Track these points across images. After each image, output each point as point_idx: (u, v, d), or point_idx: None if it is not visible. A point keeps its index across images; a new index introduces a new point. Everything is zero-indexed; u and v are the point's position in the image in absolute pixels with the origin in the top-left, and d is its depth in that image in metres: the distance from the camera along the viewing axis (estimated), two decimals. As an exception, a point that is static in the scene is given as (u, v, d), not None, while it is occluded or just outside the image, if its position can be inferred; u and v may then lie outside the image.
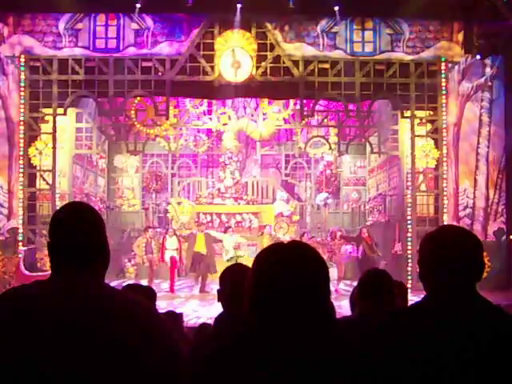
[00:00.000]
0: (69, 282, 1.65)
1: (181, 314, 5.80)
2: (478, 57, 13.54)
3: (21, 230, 13.19)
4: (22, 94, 13.32)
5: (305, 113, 14.21)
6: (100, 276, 1.71)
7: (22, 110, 13.33)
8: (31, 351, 1.57)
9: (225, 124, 18.19)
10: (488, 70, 13.82)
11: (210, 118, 18.27)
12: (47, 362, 1.56)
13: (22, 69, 13.31)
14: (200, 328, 2.93)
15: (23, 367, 1.56)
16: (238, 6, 12.76)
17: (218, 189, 17.74)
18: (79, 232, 1.69)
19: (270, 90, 13.99)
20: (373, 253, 13.01)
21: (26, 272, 12.36)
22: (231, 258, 12.83)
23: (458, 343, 1.67)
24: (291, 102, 17.15)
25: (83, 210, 1.75)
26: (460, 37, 13.64)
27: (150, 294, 3.31)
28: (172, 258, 12.90)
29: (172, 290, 12.50)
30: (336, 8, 12.87)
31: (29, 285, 1.71)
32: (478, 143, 13.87)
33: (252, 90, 13.80)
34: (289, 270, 1.50)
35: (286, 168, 19.78)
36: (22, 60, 13.31)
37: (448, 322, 1.71)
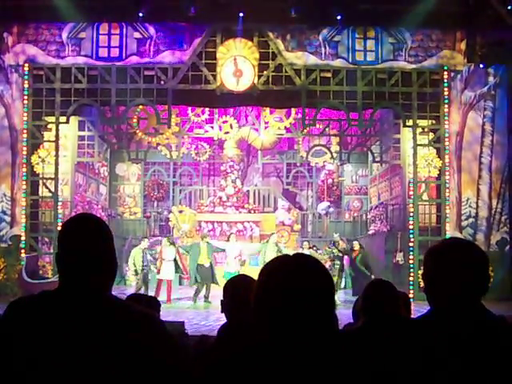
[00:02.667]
0: (75, 294, 1.66)
1: (182, 323, 5.79)
2: (481, 66, 13.56)
3: (23, 238, 13.18)
4: (26, 102, 13.37)
5: (306, 122, 14.23)
6: (107, 287, 1.72)
7: (25, 118, 13.38)
8: (35, 361, 1.57)
9: (226, 133, 18.22)
10: (491, 79, 13.84)
11: (212, 127, 18.32)
12: (52, 372, 1.56)
13: (26, 77, 13.37)
14: (201, 339, 2.92)
15: (28, 378, 1.57)
16: (240, 14, 12.81)
17: (219, 197, 17.73)
18: (87, 244, 1.70)
19: (271, 98, 14.02)
20: (353, 270, 12.75)
21: (28, 279, 12.33)
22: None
23: (462, 356, 1.66)
24: (293, 110, 17.19)
25: (91, 222, 1.76)
26: (463, 46, 13.67)
27: (153, 305, 3.30)
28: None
29: (169, 300, 12.29)
30: (338, 17, 12.90)
31: (36, 295, 1.73)
32: (481, 152, 13.85)
33: (254, 98, 13.84)
34: (294, 282, 1.50)
35: (287, 177, 19.79)
36: (26, 69, 13.37)
37: (453, 335, 1.70)
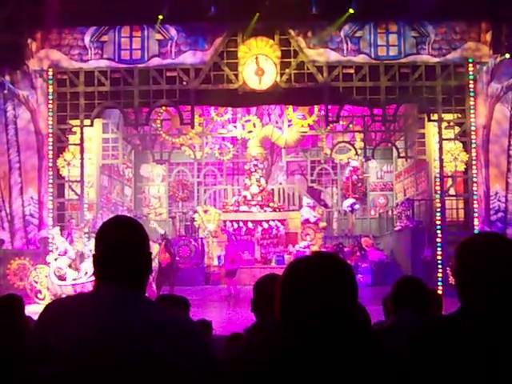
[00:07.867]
0: (111, 296, 1.66)
1: (210, 323, 5.79)
2: (508, 56, 13.26)
3: (51, 240, 13.37)
4: (50, 106, 13.58)
5: (330, 118, 14.13)
6: (142, 289, 1.72)
7: (50, 123, 13.59)
8: (68, 362, 1.57)
9: (250, 131, 18.22)
10: (518, 70, 13.54)
11: (235, 126, 18.34)
12: (84, 374, 1.56)
13: (50, 82, 13.57)
14: (232, 337, 2.90)
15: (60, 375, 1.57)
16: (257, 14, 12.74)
17: (244, 196, 17.74)
18: (123, 246, 1.69)
19: (294, 96, 13.96)
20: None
21: (57, 281, 12.50)
22: None
23: (497, 355, 1.60)
24: (316, 108, 17.09)
25: (128, 225, 1.76)
26: (488, 37, 13.40)
27: (183, 304, 3.31)
28: None
29: None
30: (351, 10, 12.64)
31: (73, 297, 1.77)
32: (509, 145, 13.56)
33: (276, 96, 13.79)
34: (316, 281, 1.49)
35: (311, 174, 19.69)
36: (50, 73, 13.58)
37: (487, 334, 1.64)
